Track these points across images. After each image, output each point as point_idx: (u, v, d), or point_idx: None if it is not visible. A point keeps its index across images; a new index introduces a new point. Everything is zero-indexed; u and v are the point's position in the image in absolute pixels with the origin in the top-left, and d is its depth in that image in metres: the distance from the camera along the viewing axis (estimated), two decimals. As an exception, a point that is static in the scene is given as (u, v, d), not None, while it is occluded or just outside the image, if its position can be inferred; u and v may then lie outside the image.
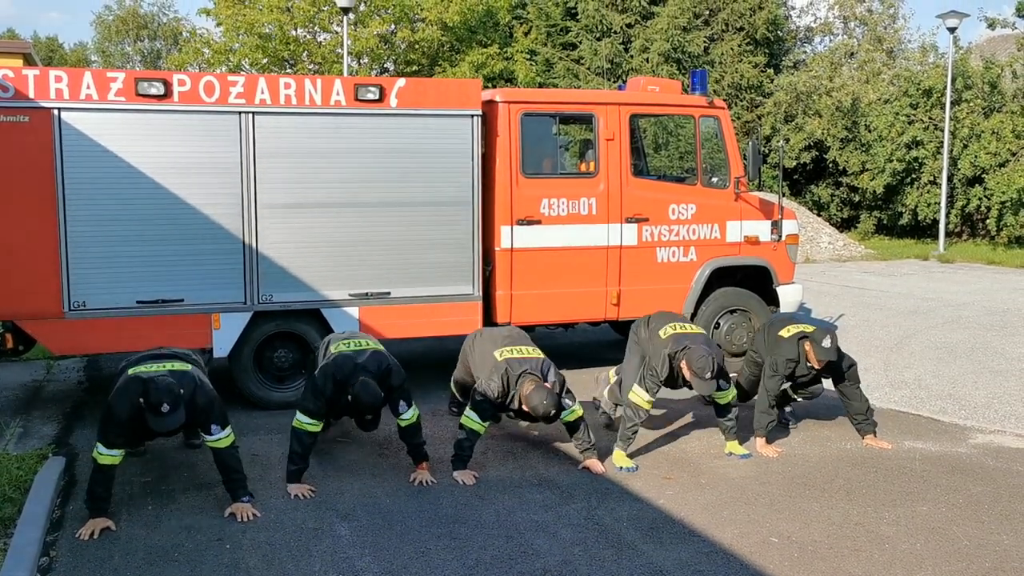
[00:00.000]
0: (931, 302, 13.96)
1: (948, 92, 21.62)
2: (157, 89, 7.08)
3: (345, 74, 21.91)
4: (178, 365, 5.55)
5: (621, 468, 6.24)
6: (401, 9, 26.90)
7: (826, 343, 6.54)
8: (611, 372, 7.49)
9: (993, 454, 6.66)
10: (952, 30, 21.81)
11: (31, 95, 6.83)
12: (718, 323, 8.98)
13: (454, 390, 7.52)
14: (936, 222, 22.41)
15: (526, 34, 29.03)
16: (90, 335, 7.13)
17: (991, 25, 22.75)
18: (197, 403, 5.36)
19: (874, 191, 24.18)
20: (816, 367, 6.69)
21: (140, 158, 7.12)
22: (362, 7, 26.83)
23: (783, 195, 10.58)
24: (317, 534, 5.18)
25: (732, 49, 26.24)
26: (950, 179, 22.12)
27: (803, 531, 5.24)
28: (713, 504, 5.65)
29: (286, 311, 7.53)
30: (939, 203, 22.09)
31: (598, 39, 26.78)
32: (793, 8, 30.70)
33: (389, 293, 7.81)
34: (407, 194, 7.83)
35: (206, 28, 29.93)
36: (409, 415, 6.05)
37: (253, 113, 7.34)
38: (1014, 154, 21.41)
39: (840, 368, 6.74)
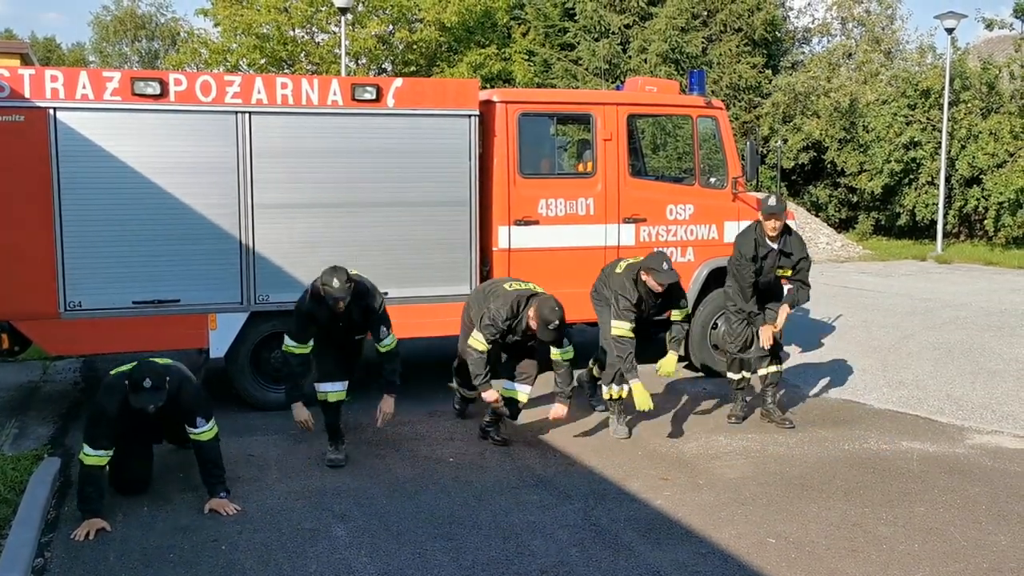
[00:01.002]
0: (929, 303, 13.96)
1: (946, 93, 21.61)
2: (153, 89, 7.06)
3: (343, 74, 21.90)
4: (164, 360, 5.65)
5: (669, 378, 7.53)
6: (399, 10, 26.91)
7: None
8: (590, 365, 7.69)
9: (991, 455, 6.66)
10: (950, 31, 21.81)
11: (27, 95, 6.81)
12: (716, 324, 8.97)
13: (455, 381, 7.51)
14: (934, 223, 22.41)
15: (524, 35, 29.05)
16: (86, 335, 7.10)
17: (989, 26, 22.80)
18: (183, 394, 5.50)
19: (872, 192, 24.17)
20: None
21: (136, 158, 7.10)
22: (360, 7, 26.83)
23: (781, 195, 10.56)
24: (314, 535, 5.16)
25: (730, 50, 26.25)
26: (948, 180, 22.12)
27: (800, 532, 5.23)
28: (710, 505, 5.64)
29: (283, 311, 7.49)
30: (937, 204, 22.09)
31: (596, 40, 26.79)
32: (791, 9, 30.80)
33: (387, 293, 7.75)
34: (404, 194, 7.82)
35: (204, 28, 29.90)
36: (389, 342, 6.45)
37: (250, 113, 7.32)
38: (1012, 155, 21.41)
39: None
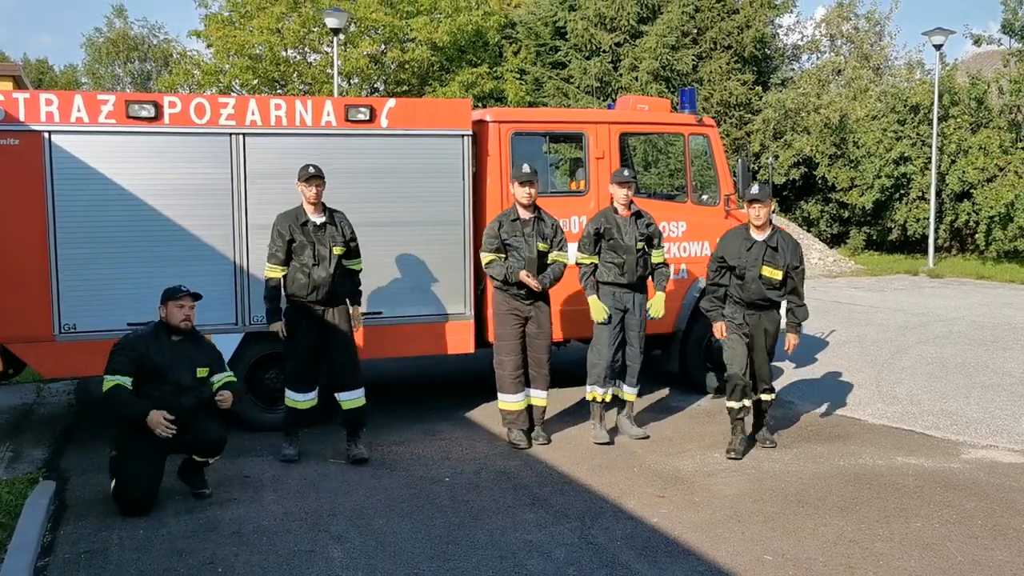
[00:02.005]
0: (922, 317, 14.02)
1: (935, 108, 21.80)
2: (148, 111, 7.09)
3: (335, 94, 21.98)
4: None
5: (656, 316, 7.51)
6: (391, 30, 27.05)
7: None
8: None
9: (986, 469, 6.67)
10: (938, 47, 22.02)
11: (21, 118, 6.83)
12: (709, 339, 8.99)
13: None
14: (925, 237, 22.54)
15: (515, 53, 29.19)
16: (80, 358, 7.07)
17: (977, 42, 22.98)
18: (207, 343, 6.25)
19: (863, 207, 24.31)
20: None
21: (131, 180, 7.11)
22: (352, 28, 26.95)
23: (773, 212, 10.60)
24: (310, 556, 5.14)
25: (720, 67, 26.41)
26: (938, 194, 22.27)
27: (797, 549, 5.23)
28: (707, 522, 5.64)
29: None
30: (928, 218, 22.23)
31: (587, 58, 26.94)
32: (780, 26, 30.94)
33: (381, 312, 7.80)
34: (398, 214, 7.85)
35: (196, 50, 30.19)
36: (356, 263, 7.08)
37: (244, 134, 7.35)
38: (1001, 169, 21.57)
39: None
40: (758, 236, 7.01)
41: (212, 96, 7.68)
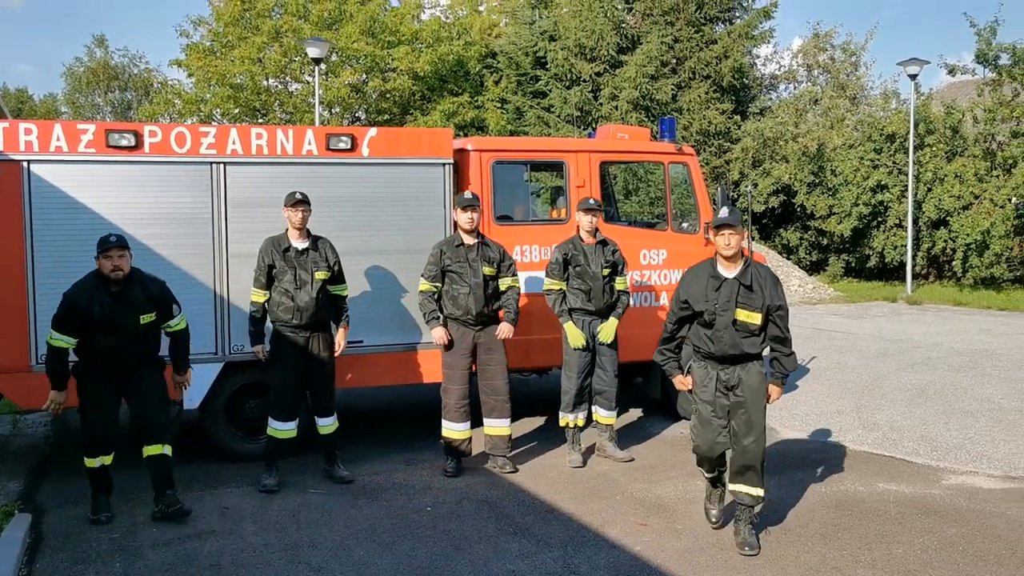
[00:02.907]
0: (901, 344, 14.11)
1: (911, 137, 22.09)
2: (128, 140, 7.07)
3: (316, 123, 22.02)
4: None
5: (605, 342, 7.47)
6: (372, 59, 27.18)
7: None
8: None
9: (966, 495, 6.70)
10: (913, 77, 22.35)
11: (0, 147, 6.79)
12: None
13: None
14: (903, 264, 22.75)
15: (496, 83, 29.41)
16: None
17: (952, 72, 23.33)
18: (155, 284, 6.22)
19: (842, 234, 24.52)
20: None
21: (110, 209, 7.07)
22: (334, 57, 27.07)
23: (752, 239, 10.69)
24: (290, 589, 5.08)
25: (699, 96, 26.69)
26: (915, 222, 22.51)
27: (780, 576, 5.22)
28: (689, 550, 5.62)
29: (259, 361, 7.44)
30: (905, 245, 22.45)
31: (567, 87, 27.16)
32: (758, 57, 31.35)
33: (362, 341, 7.77)
34: (380, 242, 7.85)
35: (177, 79, 30.06)
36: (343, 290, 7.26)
37: (224, 163, 7.35)
38: (977, 197, 21.84)
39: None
40: (728, 271, 5.59)
41: (193, 125, 7.68)
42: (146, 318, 6.10)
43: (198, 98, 27.89)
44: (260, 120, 27.56)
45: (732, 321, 5.53)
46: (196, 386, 7.28)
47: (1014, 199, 20.85)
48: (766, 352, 5.74)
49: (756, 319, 5.53)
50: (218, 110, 27.51)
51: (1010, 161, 21.47)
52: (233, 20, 26.88)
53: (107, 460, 6.20)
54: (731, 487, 5.77)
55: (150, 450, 6.21)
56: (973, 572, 5.25)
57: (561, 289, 7.50)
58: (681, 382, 5.96)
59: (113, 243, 5.99)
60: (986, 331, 15.61)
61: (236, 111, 27.31)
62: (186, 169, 7.27)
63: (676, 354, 5.95)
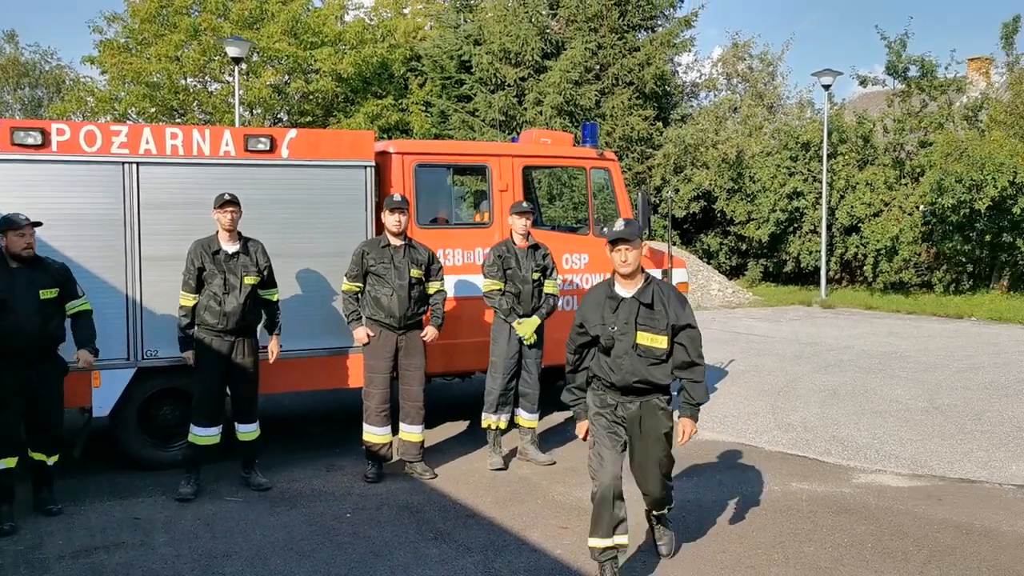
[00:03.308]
0: (815, 347, 14.51)
1: (824, 146, 22.77)
2: (34, 139, 6.82)
3: (237, 124, 21.60)
4: None
5: (526, 341, 7.53)
6: (294, 60, 26.80)
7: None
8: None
9: (875, 493, 6.90)
10: (827, 87, 23.05)
11: None
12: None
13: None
14: (817, 269, 23.42)
15: (421, 86, 29.30)
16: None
17: (863, 83, 24.10)
18: (61, 269, 6.28)
19: (760, 240, 25.12)
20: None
21: (15, 210, 6.78)
22: (255, 57, 26.61)
23: (674, 244, 10.85)
24: (203, 600, 4.95)
25: (622, 103, 27.04)
26: (829, 228, 23.18)
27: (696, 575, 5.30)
28: (609, 552, 5.65)
29: (173, 367, 7.25)
30: (820, 251, 23.12)
31: (492, 92, 27.22)
32: (680, 65, 31.97)
33: (282, 346, 7.62)
34: (300, 246, 7.72)
35: (90, 77, 29.23)
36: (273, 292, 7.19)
37: (137, 163, 7.14)
38: (887, 204, 22.61)
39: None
40: (626, 291, 5.01)
41: (104, 124, 7.45)
42: (47, 293, 6.05)
43: (112, 96, 27.12)
44: (178, 120, 26.91)
45: (633, 346, 4.95)
46: (106, 393, 7.10)
47: (921, 207, 21.66)
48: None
49: (661, 342, 4.93)
50: (133, 109, 26.77)
51: (918, 170, 22.30)
52: (149, 17, 26.22)
53: (11, 463, 5.98)
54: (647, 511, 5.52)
55: (36, 456, 6.17)
56: (881, 568, 5.41)
57: (501, 289, 7.52)
58: (582, 428, 5.26)
59: (25, 222, 6.00)
60: (895, 334, 16.15)
61: (152, 110, 26.63)
62: (96, 169, 7.03)
63: (584, 396, 5.26)
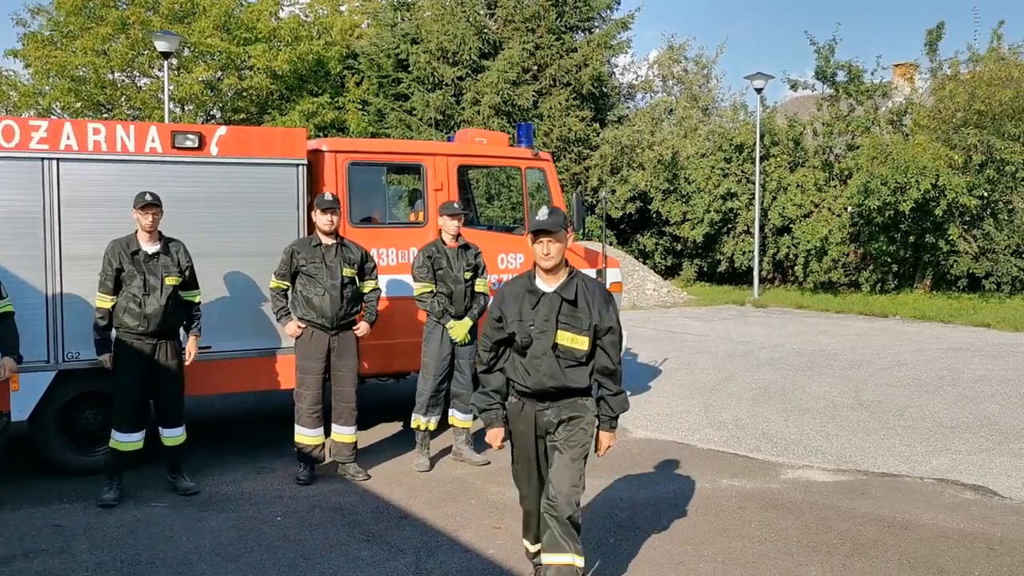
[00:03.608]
0: (747, 345, 14.75)
1: (757, 148, 23.20)
2: (-53, 133, 6.58)
3: (167, 121, 21.14)
4: None
5: (459, 343, 7.53)
6: (227, 56, 26.35)
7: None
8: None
9: (802, 488, 7.04)
10: (759, 90, 23.48)
11: None
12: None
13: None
14: (751, 269, 23.85)
15: (358, 84, 29.05)
16: None
17: (794, 87, 24.59)
18: None
19: (694, 240, 25.48)
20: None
21: (-72, 207, 6.56)
22: (185, 52, 26.08)
23: (609, 244, 10.92)
24: (125, 609, 4.82)
25: (560, 103, 27.17)
26: (762, 229, 23.63)
27: (626, 573, 5.33)
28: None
29: (95, 369, 7.04)
30: (753, 251, 23.54)
31: (430, 91, 27.11)
32: (616, 66, 32.23)
33: (210, 347, 7.48)
34: (229, 244, 7.57)
35: (13, 70, 28.25)
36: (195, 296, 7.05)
37: (58, 159, 6.92)
38: (816, 206, 23.13)
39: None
40: (548, 285, 4.56)
41: (23, 118, 7.20)
42: None
43: (35, 90, 26.34)
44: (105, 115, 26.25)
45: (552, 346, 4.48)
46: (25, 396, 6.87)
47: (849, 208, 22.21)
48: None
49: (582, 344, 4.47)
50: (58, 103, 26.04)
51: (846, 172, 22.85)
52: (75, 9, 25.54)
53: None
54: (547, 559, 4.49)
55: None
56: (807, 562, 5.51)
57: (432, 291, 7.49)
58: (495, 436, 4.74)
59: None
60: (823, 332, 16.52)
61: (78, 105, 25.93)
62: (14, 165, 6.80)
63: (499, 400, 4.73)
